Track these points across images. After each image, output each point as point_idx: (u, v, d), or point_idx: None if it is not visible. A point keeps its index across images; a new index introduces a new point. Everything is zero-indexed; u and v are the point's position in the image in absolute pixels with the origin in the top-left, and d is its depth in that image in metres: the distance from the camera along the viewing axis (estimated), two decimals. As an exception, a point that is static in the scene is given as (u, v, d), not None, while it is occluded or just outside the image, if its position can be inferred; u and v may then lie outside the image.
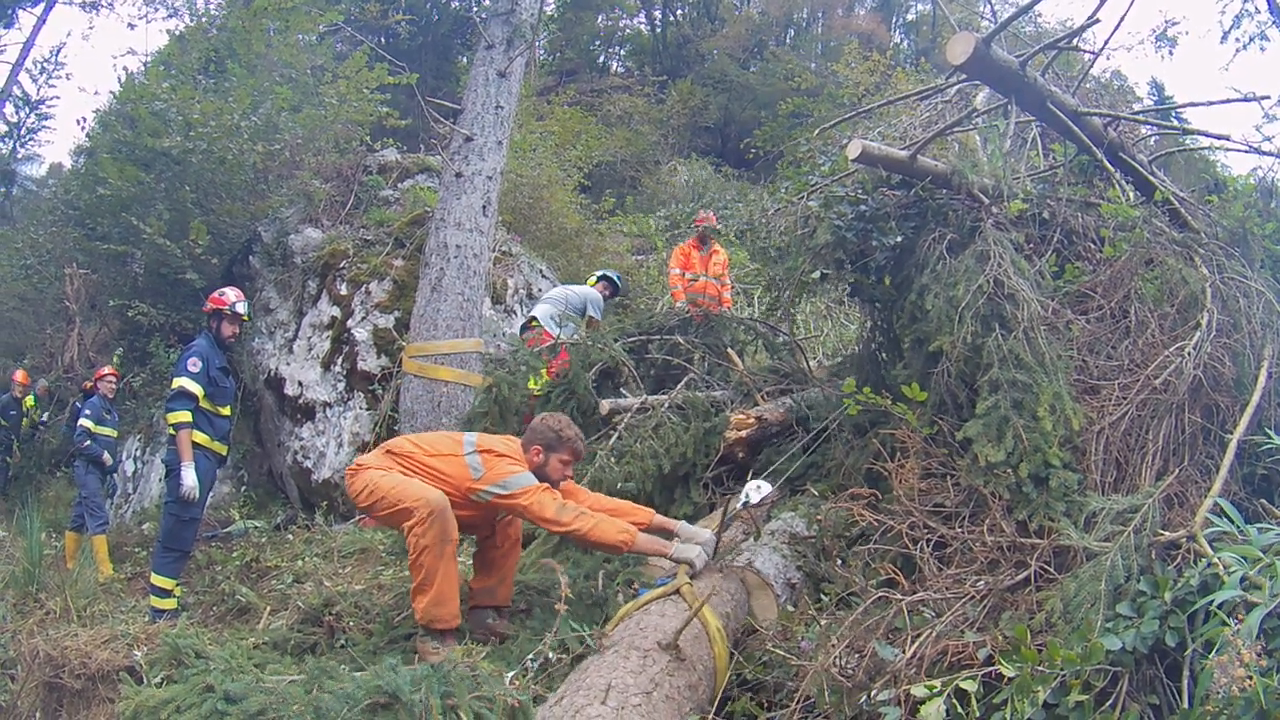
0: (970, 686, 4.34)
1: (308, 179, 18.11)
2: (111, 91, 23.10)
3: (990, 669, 4.45)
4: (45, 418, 20.08)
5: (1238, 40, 19.09)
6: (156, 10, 30.64)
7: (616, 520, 6.47)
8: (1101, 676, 4.24)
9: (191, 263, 16.82)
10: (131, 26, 59.04)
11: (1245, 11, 18.73)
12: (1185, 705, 4.22)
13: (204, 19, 24.67)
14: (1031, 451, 5.70)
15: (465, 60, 28.79)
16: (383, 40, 27.07)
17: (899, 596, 5.25)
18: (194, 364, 9.92)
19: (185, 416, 9.76)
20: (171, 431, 9.88)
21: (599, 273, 14.35)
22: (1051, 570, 5.27)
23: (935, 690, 4.36)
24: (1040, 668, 4.20)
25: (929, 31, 41.76)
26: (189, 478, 9.61)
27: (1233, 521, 4.77)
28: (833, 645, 5.02)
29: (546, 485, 6.64)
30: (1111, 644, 4.25)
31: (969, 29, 7.48)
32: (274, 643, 7.23)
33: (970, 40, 6.54)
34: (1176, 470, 5.64)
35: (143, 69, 23.56)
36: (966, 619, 5.01)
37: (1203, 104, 8.84)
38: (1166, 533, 4.95)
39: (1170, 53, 27.52)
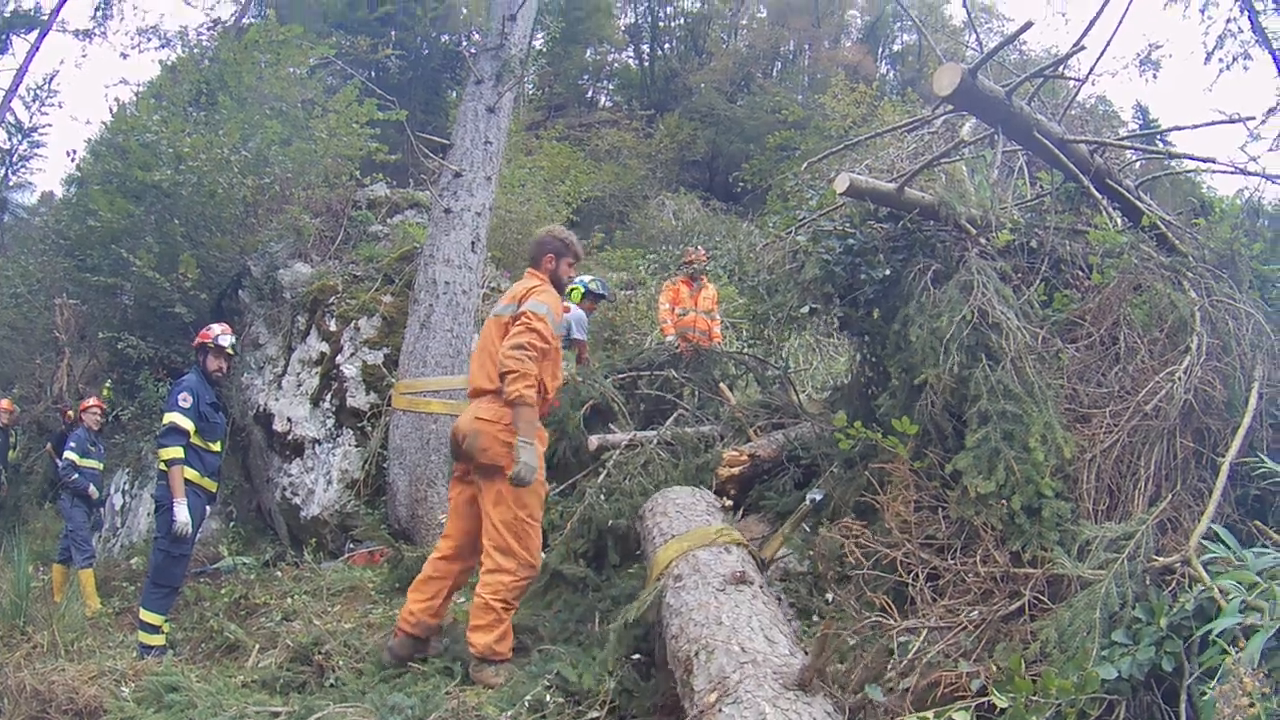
0: (963, 717, 4.32)
1: (297, 213, 18.08)
2: (103, 121, 23.14)
3: (984, 699, 4.43)
4: (14, 442, 19.94)
5: (1221, 61, 19.24)
6: (149, 40, 30.90)
7: (532, 391, 6.93)
8: (1097, 705, 4.22)
9: (181, 296, 16.84)
10: (124, 56, 59.36)
11: (1228, 32, 18.86)
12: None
13: (196, 50, 24.76)
14: (1023, 483, 5.67)
15: (455, 95, 28.92)
16: (373, 74, 27.16)
17: (892, 622, 5.24)
18: (185, 399, 9.92)
19: (177, 453, 9.74)
20: (163, 467, 9.84)
21: (581, 281, 14.12)
22: (1045, 600, 5.25)
23: (927, 721, 4.35)
24: (1035, 698, 4.18)
25: (915, 62, 42.05)
26: (181, 514, 9.60)
27: (1228, 546, 4.75)
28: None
29: (546, 339, 7.10)
30: (1107, 673, 4.23)
31: (955, 59, 7.50)
32: (263, 681, 7.23)
33: (957, 71, 6.54)
34: (1169, 496, 5.63)
35: (134, 99, 23.60)
36: (960, 649, 4.99)
37: (1188, 127, 8.93)
38: (1161, 558, 4.94)
39: (1154, 76, 27.66)
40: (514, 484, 6.83)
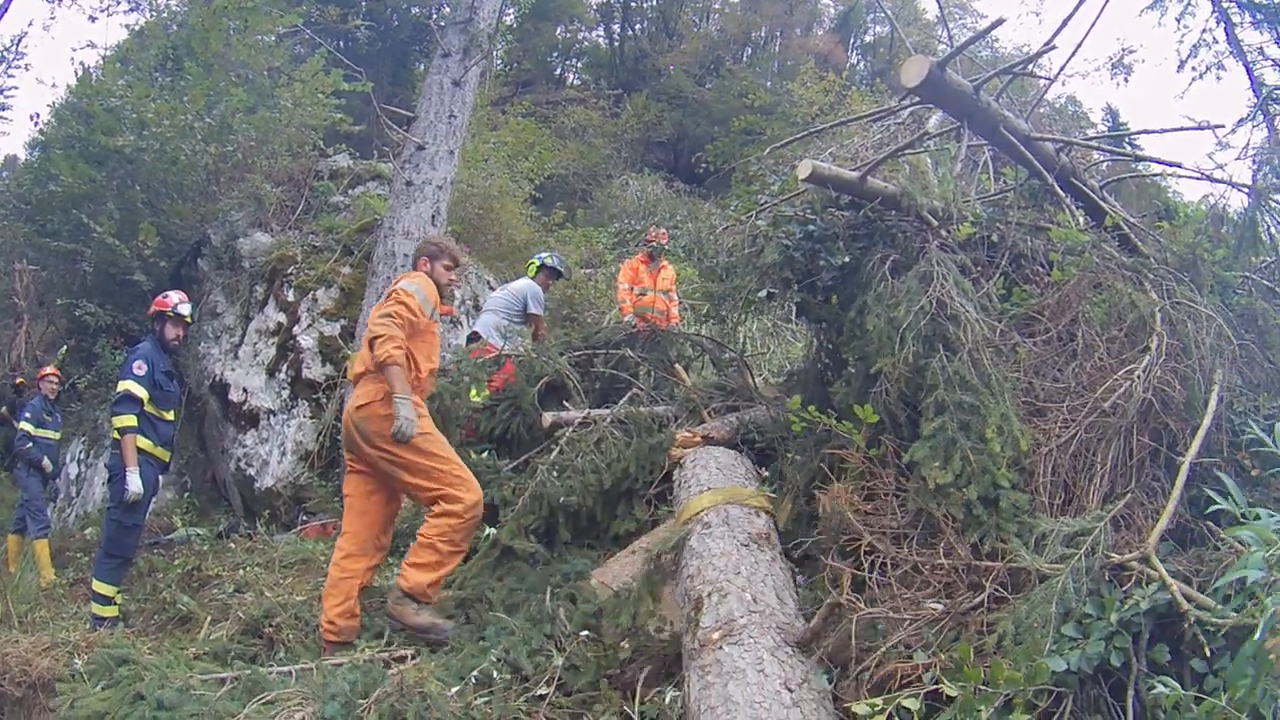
0: (913, 705, 4.35)
1: (259, 182, 18.00)
2: (68, 85, 22.91)
3: (934, 687, 4.46)
4: None
5: (1194, 69, 19.30)
6: (118, 3, 30.51)
7: (400, 352, 7.11)
8: (1045, 697, 4.25)
9: (140, 264, 16.79)
10: (92, 19, 58.46)
11: (1203, 41, 18.94)
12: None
13: (164, 15, 24.50)
14: (980, 473, 5.68)
15: (423, 67, 28.79)
16: (341, 44, 26.98)
17: (859, 605, 5.26)
18: (139, 367, 9.88)
19: (130, 421, 9.72)
20: (116, 436, 9.80)
21: (539, 256, 14.11)
22: (1005, 593, 5.26)
23: (877, 708, 4.38)
24: (984, 687, 4.20)
25: (886, 53, 42.07)
26: (134, 483, 9.58)
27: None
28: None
29: (414, 312, 7.38)
30: (1056, 665, 4.25)
31: (926, 52, 7.50)
32: (214, 653, 7.19)
33: (925, 64, 6.55)
34: (1127, 493, 5.65)
35: (100, 63, 23.39)
36: (921, 640, 5.01)
37: (1156, 131, 8.90)
38: (1119, 555, 4.96)
39: (1126, 80, 27.75)
40: (396, 440, 6.90)
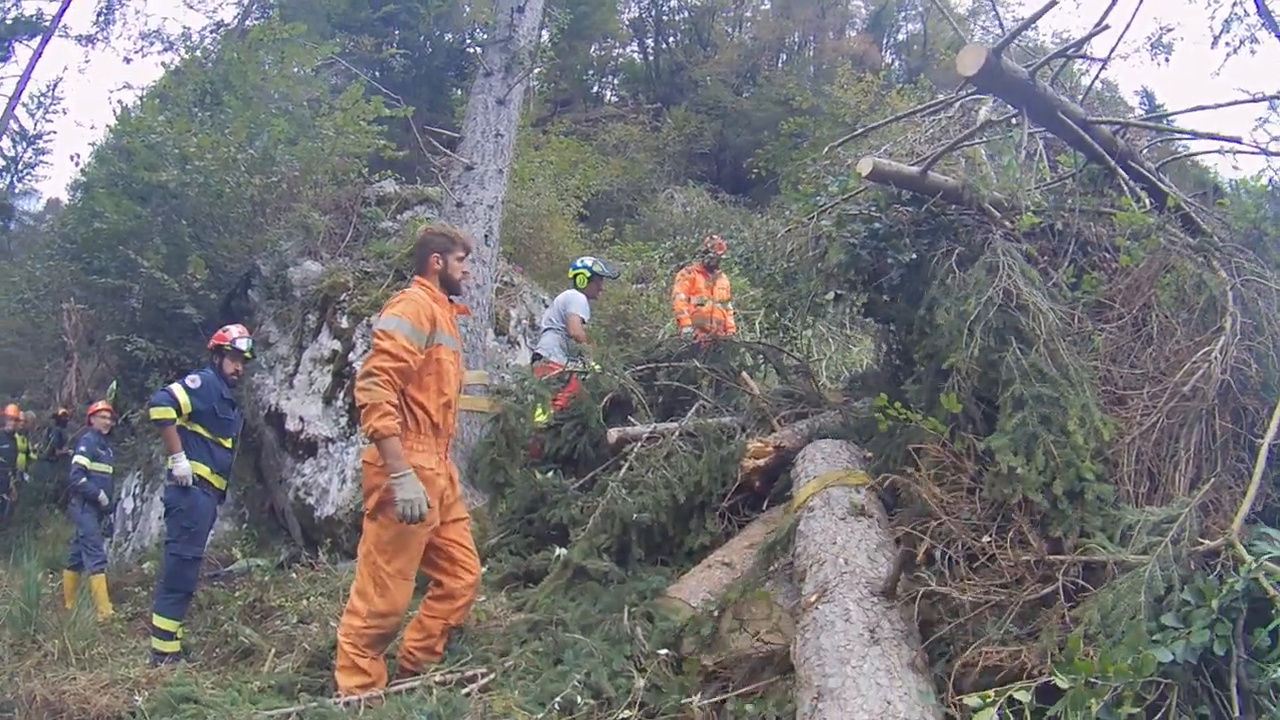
0: (1024, 696, 4.30)
1: (306, 211, 18.03)
2: (108, 125, 23.12)
3: (1043, 679, 4.39)
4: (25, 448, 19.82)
5: (1228, 45, 19.11)
6: (152, 44, 30.77)
7: (389, 420, 6.42)
8: (1151, 689, 4.19)
9: (190, 297, 16.88)
10: (127, 61, 58.99)
11: (1235, 15, 18.76)
12: (1237, 714, 4.18)
13: (199, 52, 24.67)
14: (1064, 467, 5.57)
15: (459, 92, 28.91)
16: (377, 74, 27.09)
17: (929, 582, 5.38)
18: (193, 380, 10.13)
19: (168, 413, 9.86)
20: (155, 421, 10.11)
21: (584, 265, 13.90)
22: (1082, 584, 5.16)
23: (989, 700, 4.33)
24: (1094, 679, 4.11)
25: (920, 51, 42.01)
26: (182, 466, 9.80)
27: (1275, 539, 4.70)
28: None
29: (399, 356, 6.59)
30: (1162, 656, 4.18)
31: (974, 42, 7.41)
32: (280, 686, 7.07)
33: (981, 52, 6.47)
34: (1211, 478, 5.54)
35: (139, 102, 23.56)
36: (986, 633, 4.97)
37: (1210, 107, 8.76)
38: (1206, 541, 4.86)
39: (1166, 60, 27.52)
40: (402, 518, 6.34)
